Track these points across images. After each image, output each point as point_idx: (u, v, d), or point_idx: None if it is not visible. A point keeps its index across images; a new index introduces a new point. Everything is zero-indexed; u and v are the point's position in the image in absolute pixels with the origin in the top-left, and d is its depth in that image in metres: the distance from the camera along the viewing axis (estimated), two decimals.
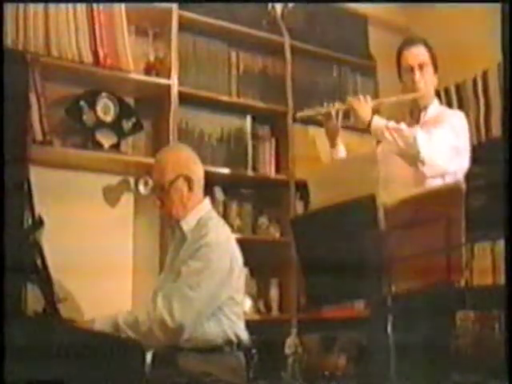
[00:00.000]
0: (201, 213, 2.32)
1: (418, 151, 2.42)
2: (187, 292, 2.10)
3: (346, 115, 2.76)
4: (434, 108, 2.68)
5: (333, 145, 2.75)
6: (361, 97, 2.63)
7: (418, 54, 2.64)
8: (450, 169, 2.49)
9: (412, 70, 2.63)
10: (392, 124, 2.55)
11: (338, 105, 2.68)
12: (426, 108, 2.66)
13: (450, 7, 3.66)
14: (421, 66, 2.62)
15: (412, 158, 2.46)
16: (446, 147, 2.47)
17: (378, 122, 2.58)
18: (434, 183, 2.44)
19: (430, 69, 2.65)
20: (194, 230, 2.28)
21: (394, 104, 2.88)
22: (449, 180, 2.47)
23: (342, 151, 2.78)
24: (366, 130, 2.64)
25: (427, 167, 2.43)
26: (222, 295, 2.19)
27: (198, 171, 2.36)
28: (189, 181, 2.30)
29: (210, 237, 2.19)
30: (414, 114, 2.70)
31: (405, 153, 2.49)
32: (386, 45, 2.91)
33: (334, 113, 2.70)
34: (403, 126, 2.53)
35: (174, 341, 2.10)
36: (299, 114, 2.86)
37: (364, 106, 2.60)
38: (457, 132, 2.52)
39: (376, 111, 2.69)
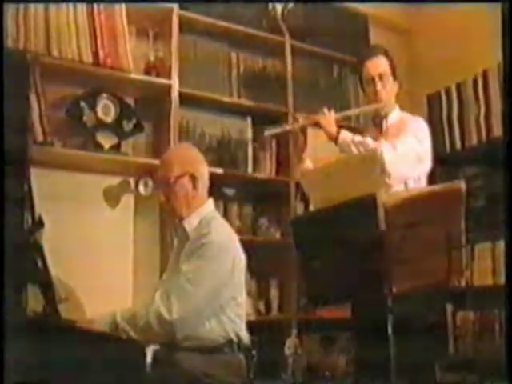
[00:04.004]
0: (204, 213, 2.32)
1: (383, 164, 2.45)
2: (186, 286, 2.10)
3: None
4: (395, 115, 2.77)
5: (300, 160, 2.84)
6: (325, 111, 2.72)
7: (379, 65, 2.74)
8: (412, 174, 2.59)
9: (373, 80, 2.73)
10: (358, 138, 2.65)
11: (303, 121, 2.76)
12: (387, 115, 2.75)
13: (450, 7, 3.66)
14: (381, 76, 2.72)
15: (378, 171, 2.49)
16: (410, 156, 2.55)
17: (345, 136, 2.67)
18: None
19: (390, 78, 2.75)
20: (197, 229, 2.28)
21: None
22: (412, 184, 2.58)
23: (309, 166, 2.82)
24: None
25: (392, 179, 2.48)
26: (223, 295, 2.18)
27: (203, 171, 2.36)
28: (194, 179, 2.30)
29: (211, 235, 2.19)
30: (375, 121, 2.80)
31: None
32: (386, 45, 2.92)
33: (299, 129, 2.84)
34: (369, 140, 2.62)
35: (171, 335, 2.09)
36: (266, 133, 2.96)
37: (329, 121, 2.70)
38: (419, 139, 2.61)
39: (341, 123, 2.79)
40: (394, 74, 2.77)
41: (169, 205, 2.31)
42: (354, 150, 2.60)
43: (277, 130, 2.94)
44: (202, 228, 2.26)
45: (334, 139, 2.68)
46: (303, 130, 2.81)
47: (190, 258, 2.18)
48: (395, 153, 2.51)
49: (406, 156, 2.53)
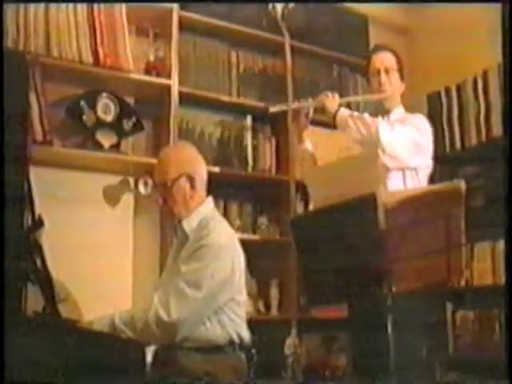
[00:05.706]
0: (203, 213, 2.31)
1: (378, 138, 2.50)
2: (184, 288, 2.10)
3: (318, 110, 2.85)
4: (399, 112, 2.77)
5: (300, 140, 2.84)
6: (329, 93, 2.74)
7: (384, 58, 2.76)
8: (410, 163, 2.58)
9: (378, 72, 2.74)
10: (356, 114, 2.68)
11: (308, 101, 2.76)
12: (389, 112, 2.75)
13: (450, 7, 3.66)
14: (387, 70, 2.74)
15: (373, 145, 2.50)
16: (407, 140, 2.56)
17: (343, 112, 2.69)
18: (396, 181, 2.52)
19: (396, 74, 2.76)
20: (196, 230, 2.27)
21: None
22: (410, 177, 2.58)
23: (309, 147, 2.85)
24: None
25: (388, 157, 2.50)
26: (222, 296, 2.18)
27: (201, 170, 2.35)
28: (191, 179, 2.29)
29: (210, 237, 2.19)
30: (378, 115, 2.78)
31: (366, 140, 2.57)
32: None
33: (303, 109, 2.80)
34: (366, 115, 2.64)
35: (171, 337, 2.09)
36: (271, 110, 2.92)
37: (332, 101, 2.72)
38: (420, 131, 2.62)
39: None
40: (401, 72, 2.78)
41: (167, 207, 2.31)
42: (352, 124, 2.61)
43: (282, 107, 2.92)
44: (201, 229, 2.25)
45: (333, 116, 2.69)
46: (305, 112, 2.81)
47: (189, 260, 2.17)
48: (392, 131, 2.53)
49: (403, 137, 2.55)
